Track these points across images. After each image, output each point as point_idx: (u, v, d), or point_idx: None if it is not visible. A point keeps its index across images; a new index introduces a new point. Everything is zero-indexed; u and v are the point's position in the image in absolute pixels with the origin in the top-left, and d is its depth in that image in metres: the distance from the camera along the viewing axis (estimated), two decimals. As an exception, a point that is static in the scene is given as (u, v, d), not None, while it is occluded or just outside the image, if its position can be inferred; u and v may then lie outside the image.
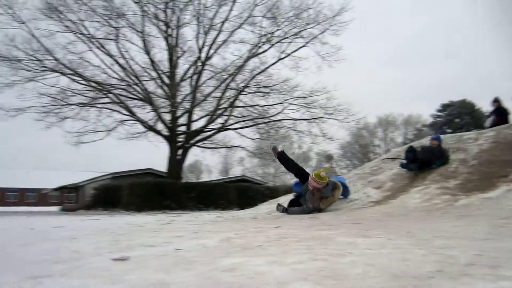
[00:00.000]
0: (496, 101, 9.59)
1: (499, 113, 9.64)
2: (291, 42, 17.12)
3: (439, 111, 47.48)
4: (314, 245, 1.85)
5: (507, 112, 9.64)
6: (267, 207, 7.58)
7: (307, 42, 16.88)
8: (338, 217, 4.54)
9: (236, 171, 48.65)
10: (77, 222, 5.29)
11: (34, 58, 14.25)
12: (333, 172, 5.98)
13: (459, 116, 45.01)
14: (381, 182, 7.43)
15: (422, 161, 6.51)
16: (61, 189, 28.07)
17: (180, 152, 18.27)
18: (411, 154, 6.75)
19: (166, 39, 16.77)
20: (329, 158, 46.12)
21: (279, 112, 18.10)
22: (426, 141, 9.61)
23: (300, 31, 16.69)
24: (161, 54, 17.61)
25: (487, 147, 7.48)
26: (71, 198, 27.13)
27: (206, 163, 51.91)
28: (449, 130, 45.64)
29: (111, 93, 15.51)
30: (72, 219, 6.93)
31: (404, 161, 7.07)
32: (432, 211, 4.56)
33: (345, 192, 6.37)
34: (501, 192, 5.07)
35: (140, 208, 15.78)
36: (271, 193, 20.46)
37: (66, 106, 15.25)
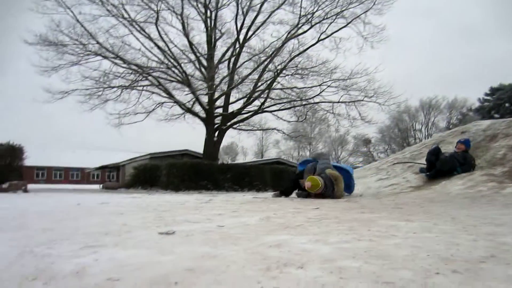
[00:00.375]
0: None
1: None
2: (332, 22, 16.58)
3: (487, 95, 44.84)
4: (357, 227, 1.83)
5: None
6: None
7: (349, 22, 16.26)
8: (377, 201, 4.46)
9: (271, 154, 48.87)
10: (120, 199, 5.54)
11: (78, 42, 14.74)
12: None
13: (509, 100, 42.28)
14: (423, 168, 7.20)
15: (440, 171, 6.12)
16: (103, 168, 29.44)
17: (216, 134, 18.50)
18: (433, 158, 6.35)
19: (205, 21, 16.79)
20: (366, 142, 45.25)
21: (317, 95, 17.80)
22: (471, 125, 9.16)
23: (342, 10, 16.07)
24: (199, 36, 17.64)
25: (540, 133, 7.03)
26: (112, 177, 28.44)
27: (242, 145, 52.49)
28: (496, 116, 43.11)
29: (150, 75, 15.83)
30: (114, 196, 7.29)
31: (424, 166, 6.68)
32: (476, 198, 4.37)
33: (349, 188, 5.76)
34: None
35: (177, 188, 16.25)
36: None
37: (108, 88, 15.76)
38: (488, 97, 45.70)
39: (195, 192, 15.74)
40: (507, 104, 43.68)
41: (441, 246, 1.31)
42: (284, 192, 6.02)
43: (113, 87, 15.82)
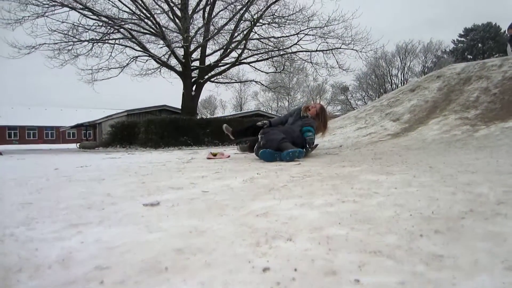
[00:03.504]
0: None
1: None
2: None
3: (461, 36, 45.08)
4: (339, 185, 1.87)
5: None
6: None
7: (325, -35, 15.67)
8: (356, 151, 4.55)
9: (250, 106, 48.64)
10: (99, 161, 5.44)
11: (42, -9, 13.65)
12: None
13: (482, 41, 42.76)
14: (399, 114, 7.33)
15: None
16: (78, 126, 28.71)
17: (194, 88, 18.16)
18: None
19: (177, -32, 15.77)
20: (344, 89, 45.50)
21: (295, 44, 17.48)
22: (446, 69, 9.26)
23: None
24: (172, -16, 16.69)
25: (511, 75, 7.18)
26: (88, 135, 27.82)
27: (220, 98, 51.86)
28: (470, 57, 43.70)
29: (122, 28, 15.01)
30: (92, 157, 7.16)
31: None
32: (451, 142, 4.52)
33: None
34: (524, 122, 4.96)
35: (157, 145, 16.15)
36: (285, 126, 20.55)
37: (78, 42, 14.92)
38: (462, 39, 45.99)
39: (175, 149, 15.70)
40: (480, 45, 44.18)
41: (422, 203, 1.35)
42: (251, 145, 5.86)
43: (83, 41, 15.00)
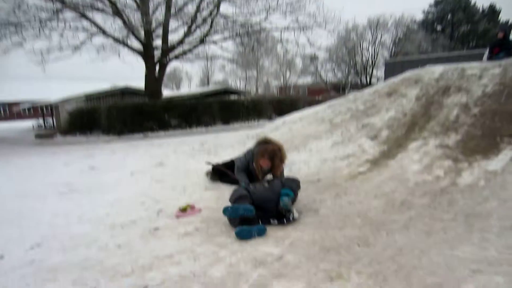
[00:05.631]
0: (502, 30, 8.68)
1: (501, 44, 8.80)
2: None
3: (431, 6, 45.00)
4: None
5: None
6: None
7: None
8: (337, 205, 3.93)
9: (217, 77, 47.16)
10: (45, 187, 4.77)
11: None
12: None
13: (452, 12, 42.88)
14: (377, 129, 7.01)
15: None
16: (33, 107, 26.77)
17: (157, 68, 17.13)
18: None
19: None
20: (313, 58, 44.97)
21: (264, 21, 16.66)
22: (424, 73, 8.94)
23: None
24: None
25: (491, 91, 6.96)
26: (46, 115, 25.90)
27: (186, 71, 49.90)
28: (439, 28, 43.96)
29: (74, 5, 13.54)
30: (43, 169, 6.47)
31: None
32: (436, 196, 4.20)
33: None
34: (506, 161, 4.73)
35: (120, 132, 15.34)
36: (255, 106, 20.10)
37: (26, 22, 13.38)
38: (432, 9, 46.00)
39: (139, 137, 14.90)
40: (449, 16, 44.36)
41: None
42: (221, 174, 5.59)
43: (30, 22, 13.45)
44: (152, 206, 4.60)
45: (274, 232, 3.44)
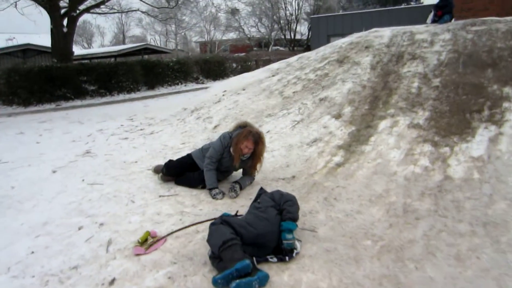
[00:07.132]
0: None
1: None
2: None
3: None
4: None
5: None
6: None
7: None
8: (329, 221, 3.28)
9: (134, 31, 42.62)
10: None
11: None
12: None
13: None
14: (338, 105, 6.46)
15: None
16: None
17: (66, 23, 14.53)
18: None
19: None
20: (233, 12, 43.19)
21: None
22: (372, 37, 8.54)
23: None
24: None
25: (447, 59, 6.78)
26: None
27: (98, 24, 44.27)
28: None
29: None
30: None
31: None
32: (436, 197, 3.81)
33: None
34: (486, 144, 4.51)
35: (26, 102, 12.99)
36: (181, 67, 18.65)
37: None
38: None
39: (51, 107, 12.74)
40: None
41: None
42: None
43: None
44: (96, 235, 3.40)
45: (278, 275, 2.71)
